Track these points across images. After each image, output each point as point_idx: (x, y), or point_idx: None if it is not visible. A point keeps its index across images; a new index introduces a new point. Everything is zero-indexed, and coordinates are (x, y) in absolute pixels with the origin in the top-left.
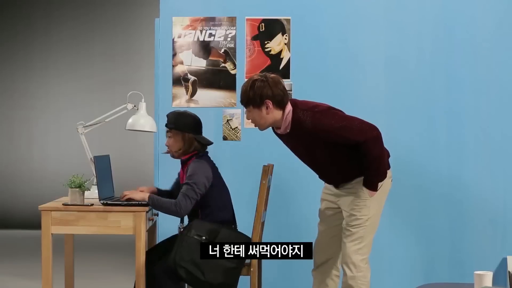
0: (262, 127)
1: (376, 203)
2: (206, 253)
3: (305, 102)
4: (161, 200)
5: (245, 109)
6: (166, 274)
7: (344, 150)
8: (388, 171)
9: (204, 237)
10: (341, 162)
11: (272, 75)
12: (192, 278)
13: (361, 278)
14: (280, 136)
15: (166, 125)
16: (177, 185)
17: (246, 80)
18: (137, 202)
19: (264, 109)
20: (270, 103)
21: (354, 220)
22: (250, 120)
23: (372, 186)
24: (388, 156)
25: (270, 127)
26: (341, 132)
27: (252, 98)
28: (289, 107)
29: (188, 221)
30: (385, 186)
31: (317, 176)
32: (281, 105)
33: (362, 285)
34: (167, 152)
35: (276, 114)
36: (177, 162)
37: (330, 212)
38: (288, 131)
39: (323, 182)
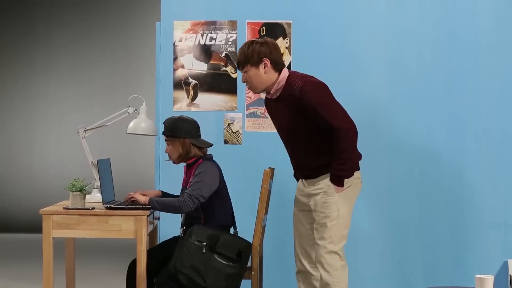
0: (257, 88)
1: (345, 201)
2: (207, 259)
3: (303, 74)
4: (162, 200)
5: (241, 71)
6: (167, 283)
7: (319, 138)
8: (356, 172)
9: (204, 243)
10: (313, 148)
11: (271, 39)
12: (193, 284)
13: (337, 276)
14: (268, 104)
15: (164, 133)
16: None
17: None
18: (140, 206)
19: (262, 68)
20: (268, 62)
21: (324, 218)
22: (245, 83)
23: (337, 180)
24: (359, 158)
25: (263, 95)
26: (321, 110)
27: (251, 56)
28: (286, 72)
29: (186, 225)
30: (354, 186)
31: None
32: (277, 67)
33: (338, 283)
34: (169, 159)
35: (272, 75)
36: (178, 166)
37: (303, 215)
38: (277, 95)
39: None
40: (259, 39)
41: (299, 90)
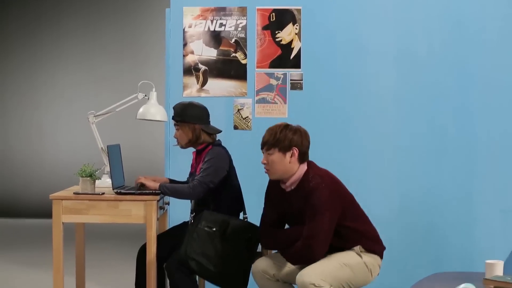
0: (275, 174)
1: (360, 270)
2: (218, 245)
3: (321, 171)
4: (172, 186)
5: (264, 151)
6: (177, 267)
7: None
8: (379, 259)
9: (214, 229)
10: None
11: (304, 129)
12: (203, 270)
13: None
14: (274, 189)
15: (173, 118)
16: (192, 177)
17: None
18: (150, 191)
19: (289, 156)
20: (296, 152)
21: (337, 258)
22: (265, 165)
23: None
24: (384, 248)
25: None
26: (314, 217)
27: (282, 141)
28: (304, 166)
29: (196, 211)
30: (373, 269)
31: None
32: (302, 159)
33: None
34: (177, 144)
35: (295, 166)
36: (188, 152)
37: None
38: (292, 188)
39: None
40: (292, 125)
41: (310, 190)
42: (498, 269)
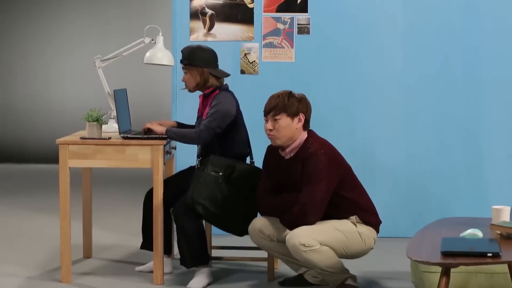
0: (281, 139)
1: (355, 239)
2: (224, 190)
3: (322, 140)
4: (179, 131)
5: (270, 117)
6: (184, 212)
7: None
8: (374, 234)
9: (221, 173)
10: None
11: (306, 98)
12: (210, 215)
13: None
14: (272, 155)
15: (181, 61)
16: (199, 122)
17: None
18: (157, 135)
19: (296, 121)
20: (303, 118)
21: (333, 224)
22: (270, 131)
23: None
24: (379, 222)
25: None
26: (311, 181)
27: (290, 106)
28: (305, 134)
29: (202, 156)
30: (367, 238)
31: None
32: (305, 127)
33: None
34: (185, 88)
35: (298, 133)
36: (195, 96)
37: None
38: (291, 155)
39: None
40: (296, 94)
41: (309, 155)
42: (504, 215)
